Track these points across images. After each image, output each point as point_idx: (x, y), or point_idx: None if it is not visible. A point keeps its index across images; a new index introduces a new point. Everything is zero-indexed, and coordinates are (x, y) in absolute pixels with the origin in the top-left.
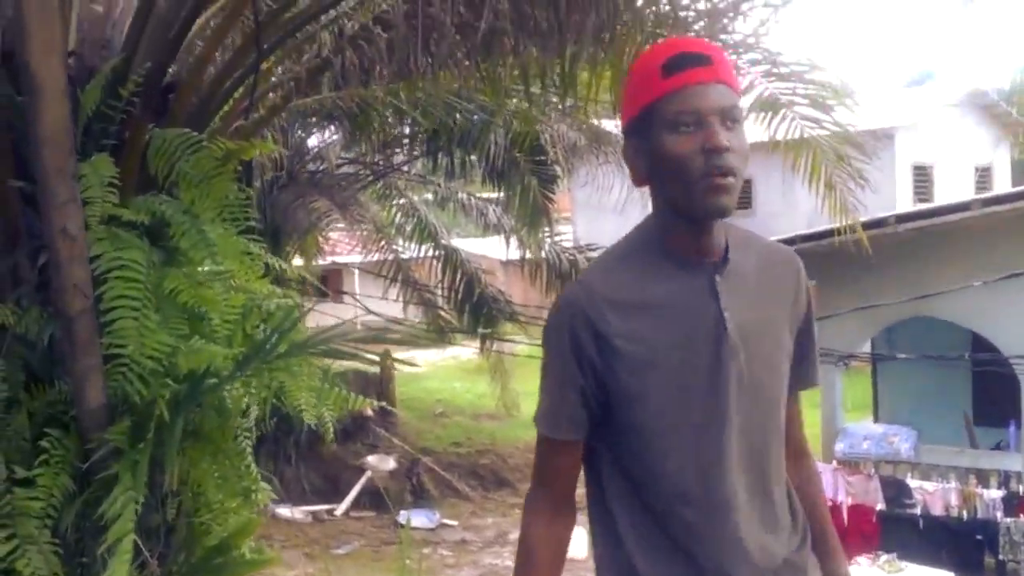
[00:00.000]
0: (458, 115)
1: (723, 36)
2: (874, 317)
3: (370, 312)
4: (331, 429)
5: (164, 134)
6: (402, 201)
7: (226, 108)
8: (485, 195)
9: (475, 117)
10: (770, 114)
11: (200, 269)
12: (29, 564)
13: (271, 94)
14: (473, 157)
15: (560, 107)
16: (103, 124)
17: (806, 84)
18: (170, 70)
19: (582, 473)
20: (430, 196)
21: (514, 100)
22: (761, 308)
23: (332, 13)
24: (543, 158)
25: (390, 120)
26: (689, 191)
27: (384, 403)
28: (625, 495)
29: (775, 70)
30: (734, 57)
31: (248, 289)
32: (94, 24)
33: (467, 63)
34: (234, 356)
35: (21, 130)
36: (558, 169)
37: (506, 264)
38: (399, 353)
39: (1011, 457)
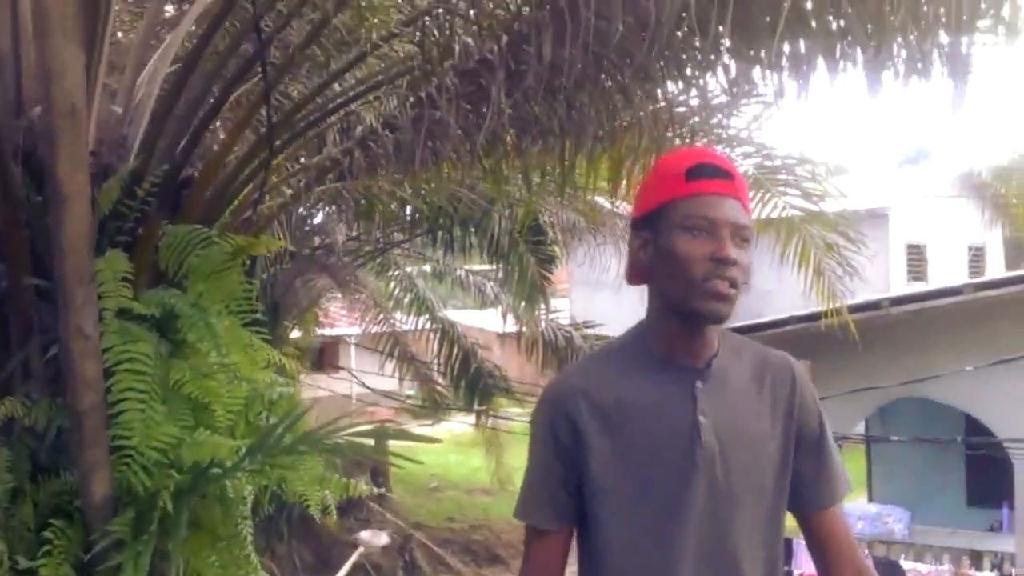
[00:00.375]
0: (459, 201)
1: (717, 131)
2: (868, 398)
3: (365, 386)
4: (333, 511)
5: (176, 230)
6: (399, 273)
7: (237, 202)
8: (482, 267)
9: (476, 202)
10: (762, 194)
11: (207, 360)
12: None
13: (282, 187)
14: (473, 237)
15: (559, 195)
16: (118, 222)
17: (796, 176)
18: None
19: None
20: (428, 268)
21: (515, 187)
22: (746, 418)
23: (342, 112)
24: (542, 238)
25: (393, 207)
26: (690, 291)
27: (380, 482)
28: None
29: (766, 163)
30: (727, 151)
31: (252, 379)
32: (112, 124)
33: (469, 158)
34: (237, 447)
35: (37, 228)
36: (556, 249)
37: (502, 337)
38: (400, 440)
39: (1004, 539)
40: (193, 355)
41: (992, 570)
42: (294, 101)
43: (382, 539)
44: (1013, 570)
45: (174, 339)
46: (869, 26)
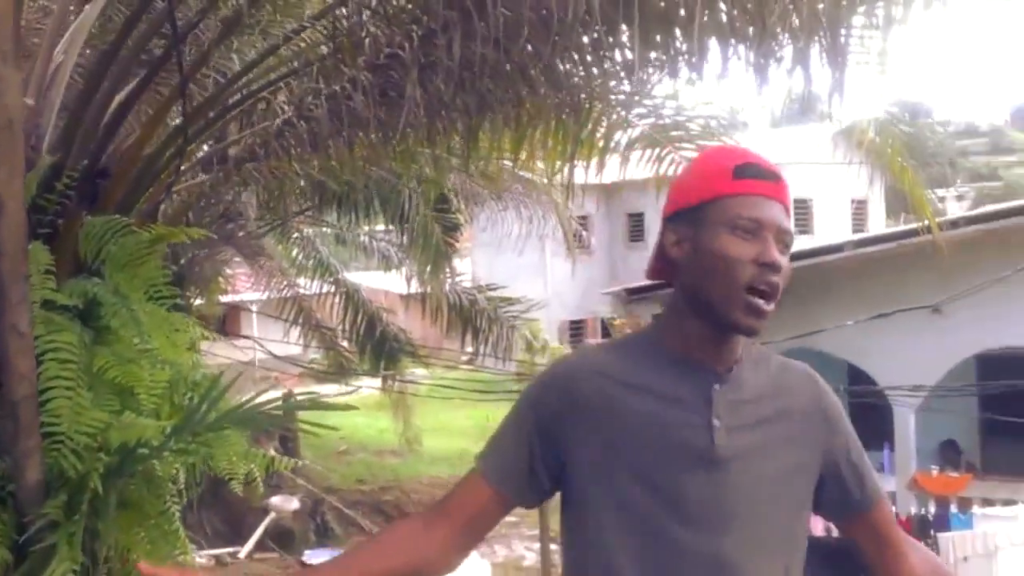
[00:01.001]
0: (369, 179)
1: (612, 96)
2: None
3: (271, 354)
4: (260, 484)
5: (95, 221)
6: (300, 237)
7: (152, 191)
8: (385, 230)
9: (385, 179)
10: (658, 151)
11: (130, 346)
12: None
13: (199, 174)
14: (377, 205)
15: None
16: (38, 215)
17: (691, 133)
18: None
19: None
20: (328, 231)
21: (422, 164)
22: (764, 430)
23: (255, 99)
24: (446, 206)
25: (303, 184)
26: (729, 297)
27: (290, 448)
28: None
29: (660, 122)
30: (623, 113)
31: (175, 362)
32: (26, 117)
33: (382, 144)
34: (163, 428)
35: None
36: (460, 216)
37: (406, 299)
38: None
39: (885, 479)
40: (116, 342)
41: None
42: (208, 92)
43: (293, 504)
44: (894, 508)
45: (97, 327)
46: (750, 28)
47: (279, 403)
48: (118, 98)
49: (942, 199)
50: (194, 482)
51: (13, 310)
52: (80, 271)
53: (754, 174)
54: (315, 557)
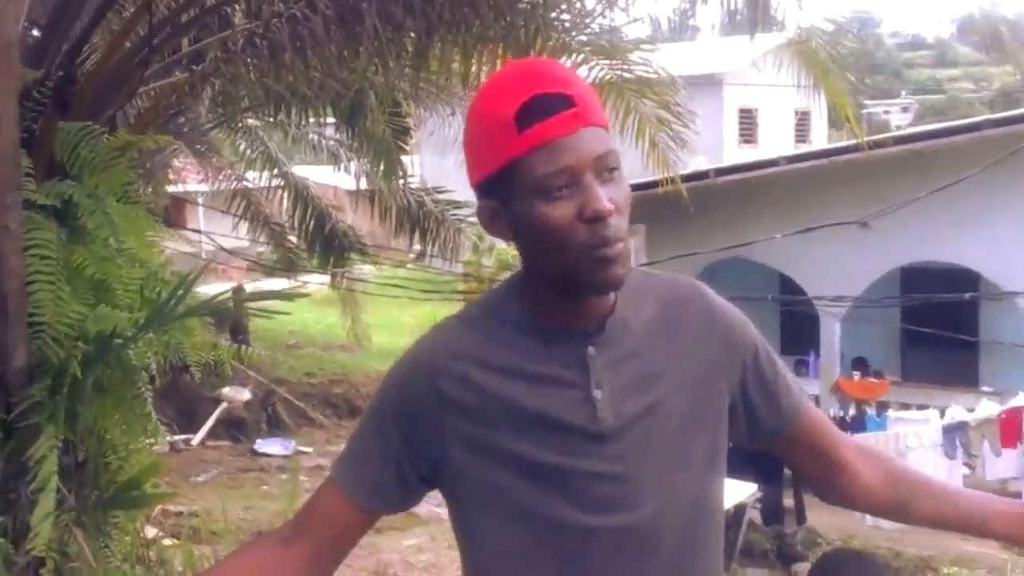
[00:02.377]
0: (321, 89)
1: (555, 23)
2: (696, 260)
3: (222, 249)
4: (225, 373)
5: (69, 127)
6: (245, 128)
7: (120, 98)
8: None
9: (339, 90)
10: (590, 67)
11: (105, 245)
12: None
13: (164, 84)
14: (329, 109)
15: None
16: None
17: (621, 46)
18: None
19: None
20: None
21: (374, 74)
22: (657, 382)
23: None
24: (397, 110)
25: (259, 92)
26: (573, 268)
27: (240, 339)
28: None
29: (588, 37)
30: (566, 38)
31: (146, 261)
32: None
33: (337, 61)
34: (136, 319)
35: None
36: (410, 120)
37: (354, 196)
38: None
39: (810, 383)
40: (92, 241)
41: None
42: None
43: (244, 394)
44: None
45: (72, 226)
46: None
47: (237, 295)
48: (87, 12)
49: (887, 110)
50: (163, 371)
51: (5, 212)
52: (56, 174)
53: (540, 112)
54: (266, 446)
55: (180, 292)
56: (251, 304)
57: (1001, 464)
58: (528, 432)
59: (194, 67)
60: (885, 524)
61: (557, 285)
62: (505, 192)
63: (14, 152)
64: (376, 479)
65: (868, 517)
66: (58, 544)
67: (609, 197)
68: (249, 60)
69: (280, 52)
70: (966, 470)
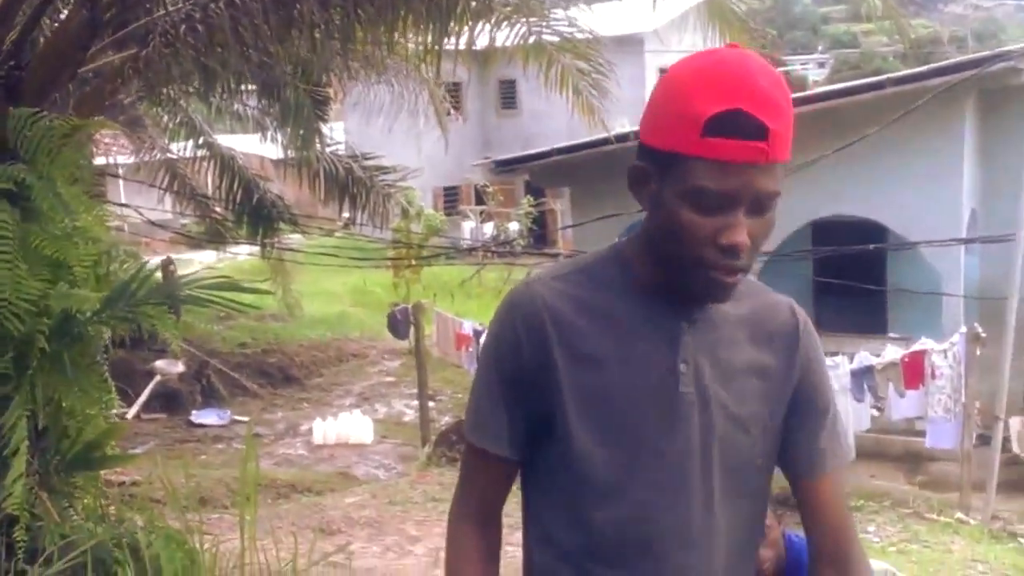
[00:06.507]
0: (249, 61)
1: None
2: (619, 220)
3: (150, 221)
4: (177, 346)
5: (19, 113)
6: (169, 99)
7: (65, 81)
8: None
9: (266, 63)
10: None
11: (59, 225)
12: None
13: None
14: (251, 84)
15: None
16: None
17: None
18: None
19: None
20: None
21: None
22: (739, 374)
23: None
24: (315, 82)
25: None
26: (688, 273)
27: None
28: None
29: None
30: None
31: (99, 239)
32: None
33: (273, 41)
34: (97, 298)
35: None
36: (330, 91)
37: (280, 165)
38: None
39: None
40: (46, 221)
41: None
42: None
43: (178, 367)
44: None
45: (25, 207)
46: None
47: (203, 280)
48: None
49: (805, 65)
50: (115, 344)
51: None
52: (7, 158)
53: (732, 131)
54: (201, 417)
55: (142, 276)
56: (211, 294)
57: (905, 404)
58: (618, 388)
59: (127, 50)
60: None
61: (664, 266)
62: (663, 170)
63: None
64: (515, 430)
65: None
66: (27, 504)
67: (751, 230)
68: (189, 40)
69: (218, 33)
70: (874, 412)
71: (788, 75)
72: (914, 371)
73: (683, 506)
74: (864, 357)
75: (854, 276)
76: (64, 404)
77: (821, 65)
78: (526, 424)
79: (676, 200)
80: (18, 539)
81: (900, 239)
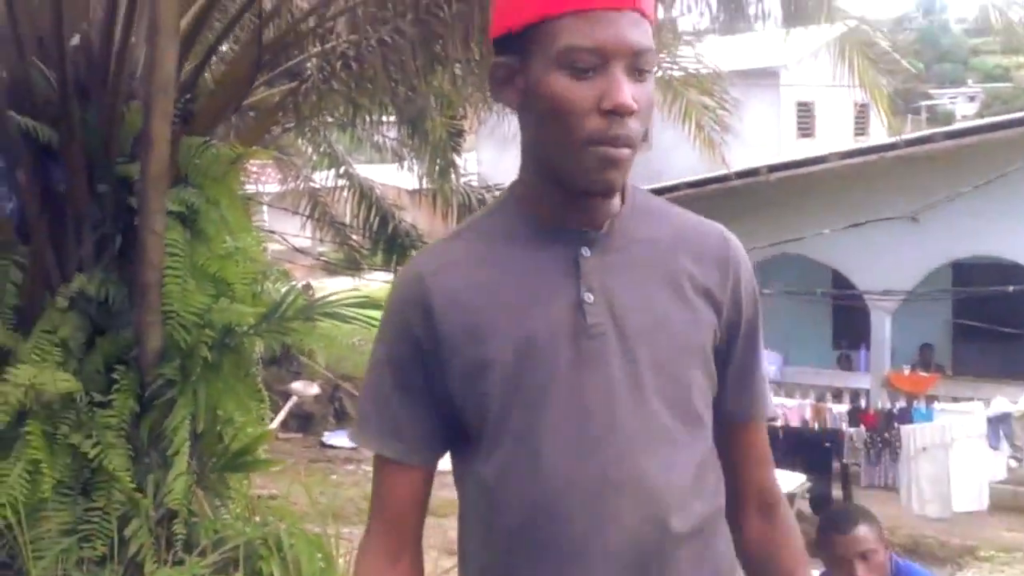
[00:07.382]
0: (396, 95)
1: None
2: (750, 255)
3: (295, 247)
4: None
5: (190, 141)
6: (313, 131)
7: (228, 116)
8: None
9: (412, 99)
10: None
11: (223, 246)
12: (111, 463)
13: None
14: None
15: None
16: None
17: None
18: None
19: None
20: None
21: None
22: (657, 297)
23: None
24: (452, 114)
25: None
26: (572, 158)
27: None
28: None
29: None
30: None
31: (256, 259)
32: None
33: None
34: (254, 313)
35: (92, 145)
36: (465, 124)
37: (415, 195)
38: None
39: (862, 378)
40: (211, 242)
41: (850, 403)
42: (275, 33)
43: (313, 389)
44: (863, 402)
45: (194, 228)
46: None
47: (345, 299)
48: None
49: (953, 99)
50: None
51: (152, 216)
52: (179, 182)
53: None
54: (333, 438)
55: (295, 294)
56: (353, 311)
57: None
58: (517, 343)
59: (278, 85)
60: (932, 514)
61: (551, 177)
62: (526, 53)
63: (165, 167)
64: (417, 428)
65: (915, 505)
66: (185, 501)
67: (634, 95)
68: (342, 76)
69: (369, 69)
70: (1012, 462)
71: (934, 109)
72: None
73: (615, 450)
74: (1001, 403)
75: (994, 319)
76: (221, 411)
77: (971, 99)
78: (431, 416)
79: (546, 75)
80: (177, 532)
81: None
